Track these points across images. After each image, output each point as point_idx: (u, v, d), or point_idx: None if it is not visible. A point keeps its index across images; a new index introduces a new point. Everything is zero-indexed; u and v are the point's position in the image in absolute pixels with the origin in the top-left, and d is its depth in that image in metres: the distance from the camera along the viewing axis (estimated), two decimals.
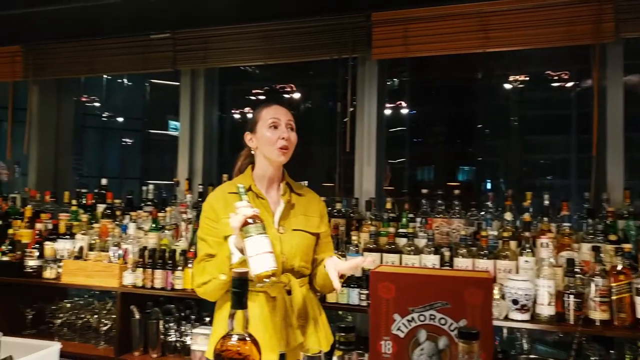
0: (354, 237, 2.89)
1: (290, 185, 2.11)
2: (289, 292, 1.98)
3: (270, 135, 2.01)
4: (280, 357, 1.93)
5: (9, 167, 4.23)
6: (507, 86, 5.01)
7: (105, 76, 9.73)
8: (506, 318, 2.47)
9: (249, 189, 2.00)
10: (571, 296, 2.40)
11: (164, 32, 3.68)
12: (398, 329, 1.21)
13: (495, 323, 2.48)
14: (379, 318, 1.22)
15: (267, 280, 1.68)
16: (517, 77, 4.58)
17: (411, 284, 1.21)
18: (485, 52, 3.15)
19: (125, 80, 10.33)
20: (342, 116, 3.42)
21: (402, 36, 3.20)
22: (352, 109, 3.47)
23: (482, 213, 3.00)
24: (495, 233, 2.78)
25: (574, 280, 2.43)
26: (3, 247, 3.42)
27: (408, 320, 1.20)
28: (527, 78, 4.59)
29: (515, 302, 2.43)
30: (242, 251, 1.77)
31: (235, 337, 1.19)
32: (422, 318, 1.19)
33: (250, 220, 1.71)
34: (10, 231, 3.49)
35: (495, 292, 2.49)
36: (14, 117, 4.28)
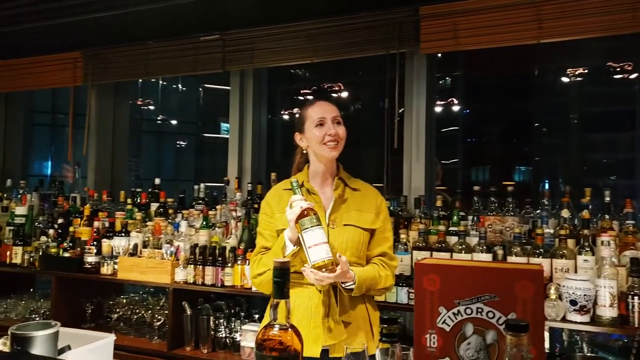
0: (402, 236, 2.84)
1: (344, 180, 2.10)
2: (336, 287, 1.97)
3: (319, 133, 2.04)
4: (322, 352, 1.93)
5: (74, 170, 4.42)
6: (565, 79, 4.79)
7: (161, 82, 10.09)
8: (564, 319, 2.36)
9: (302, 185, 2.06)
10: (636, 297, 2.27)
11: (213, 34, 3.75)
12: (443, 322, 1.16)
13: (553, 324, 2.38)
14: (423, 311, 1.18)
15: (323, 270, 1.77)
16: (576, 70, 4.37)
17: (457, 276, 1.17)
18: (540, 44, 3.02)
19: (180, 85, 10.67)
20: (391, 113, 3.37)
21: (452, 29, 3.12)
22: (402, 109, 3.41)
23: (538, 211, 2.88)
24: (552, 231, 2.66)
25: (638, 281, 2.29)
26: (64, 244, 3.58)
27: (454, 314, 1.15)
28: (586, 71, 4.38)
29: (573, 302, 2.31)
30: (295, 243, 1.87)
31: (277, 327, 1.18)
32: (468, 311, 1.14)
33: (306, 213, 1.78)
34: (71, 229, 3.64)
35: (552, 292, 2.38)
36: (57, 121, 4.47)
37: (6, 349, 1.80)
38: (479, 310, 1.14)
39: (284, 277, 1.20)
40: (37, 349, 1.70)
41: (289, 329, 1.17)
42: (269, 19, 3.55)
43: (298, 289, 1.96)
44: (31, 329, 1.73)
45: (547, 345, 2.74)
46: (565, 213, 2.66)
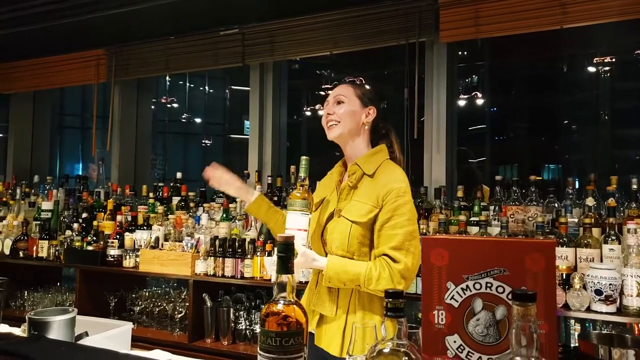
0: (422, 226, 2.80)
1: (359, 165, 1.93)
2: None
3: (323, 116, 2.03)
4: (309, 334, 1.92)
5: (98, 166, 4.49)
6: (592, 70, 4.66)
7: (188, 84, 10.25)
8: (589, 310, 2.28)
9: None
10: None
11: (232, 28, 3.77)
12: (452, 298, 1.12)
13: (577, 315, 2.31)
14: (431, 287, 1.15)
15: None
16: (604, 58, 4.24)
17: (466, 250, 1.13)
18: (566, 33, 2.95)
19: (207, 87, 10.84)
20: (410, 103, 3.33)
21: (472, 17, 3.06)
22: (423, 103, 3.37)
23: (562, 202, 2.80)
24: (576, 220, 2.59)
25: None
26: (88, 238, 3.63)
27: (462, 289, 1.12)
28: (613, 60, 4.25)
29: (598, 292, 2.23)
30: None
31: (281, 302, 1.16)
32: (477, 286, 1.10)
33: (298, 194, 1.77)
34: (95, 223, 3.70)
35: (576, 281, 2.31)
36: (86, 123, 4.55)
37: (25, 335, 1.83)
38: (488, 285, 1.10)
39: (288, 252, 1.18)
40: (53, 334, 1.71)
41: (293, 304, 1.15)
42: (287, 12, 3.55)
43: None
44: (48, 315, 1.75)
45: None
46: (590, 201, 2.57)
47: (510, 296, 1.07)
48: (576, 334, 2.67)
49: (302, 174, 1.84)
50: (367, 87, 2.04)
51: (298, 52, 3.65)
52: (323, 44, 3.53)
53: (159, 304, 3.49)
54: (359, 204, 1.87)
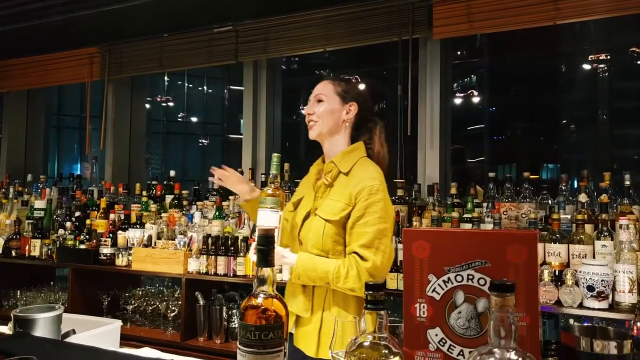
0: (415, 223, 2.79)
1: (336, 164, 1.92)
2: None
3: None
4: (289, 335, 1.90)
5: (92, 165, 4.48)
6: (589, 68, 4.64)
7: (187, 84, 10.24)
8: (581, 306, 2.26)
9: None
10: None
11: (226, 25, 3.76)
12: (433, 291, 1.11)
13: (569, 311, 2.30)
14: (412, 279, 1.13)
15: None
16: (599, 56, 4.23)
17: (447, 242, 1.11)
18: (560, 29, 2.94)
19: (205, 87, 10.83)
20: (404, 100, 3.31)
21: (465, 13, 3.05)
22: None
23: (556, 199, 2.78)
24: (569, 216, 2.57)
25: None
26: (81, 237, 3.61)
27: (444, 281, 1.10)
28: (608, 57, 4.24)
29: (590, 288, 2.22)
30: None
31: (261, 296, 1.14)
32: (459, 278, 1.09)
33: (269, 191, 1.76)
34: (88, 221, 3.68)
35: (568, 277, 2.29)
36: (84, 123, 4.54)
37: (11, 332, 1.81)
38: (470, 277, 1.08)
39: (268, 245, 1.16)
40: (39, 332, 1.70)
41: (273, 298, 1.14)
42: (280, 9, 3.55)
43: None
44: (34, 312, 1.73)
45: None
46: (583, 198, 2.56)
47: None
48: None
49: (273, 171, 1.84)
50: (349, 83, 2.01)
51: (291, 50, 3.65)
52: (316, 41, 3.52)
53: (152, 302, 3.47)
54: (333, 202, 1.86)
